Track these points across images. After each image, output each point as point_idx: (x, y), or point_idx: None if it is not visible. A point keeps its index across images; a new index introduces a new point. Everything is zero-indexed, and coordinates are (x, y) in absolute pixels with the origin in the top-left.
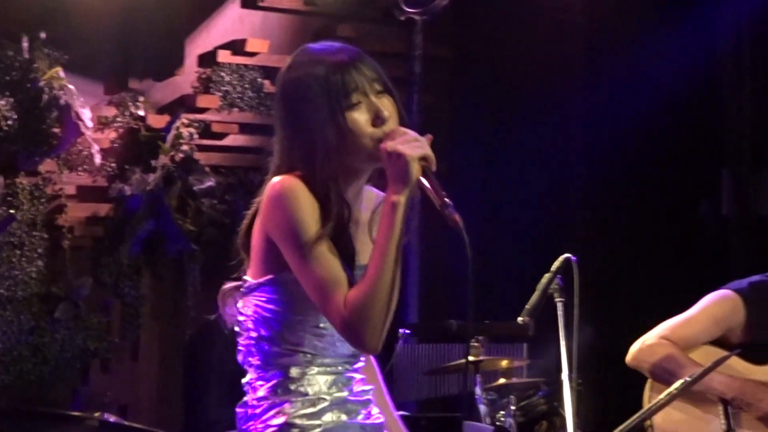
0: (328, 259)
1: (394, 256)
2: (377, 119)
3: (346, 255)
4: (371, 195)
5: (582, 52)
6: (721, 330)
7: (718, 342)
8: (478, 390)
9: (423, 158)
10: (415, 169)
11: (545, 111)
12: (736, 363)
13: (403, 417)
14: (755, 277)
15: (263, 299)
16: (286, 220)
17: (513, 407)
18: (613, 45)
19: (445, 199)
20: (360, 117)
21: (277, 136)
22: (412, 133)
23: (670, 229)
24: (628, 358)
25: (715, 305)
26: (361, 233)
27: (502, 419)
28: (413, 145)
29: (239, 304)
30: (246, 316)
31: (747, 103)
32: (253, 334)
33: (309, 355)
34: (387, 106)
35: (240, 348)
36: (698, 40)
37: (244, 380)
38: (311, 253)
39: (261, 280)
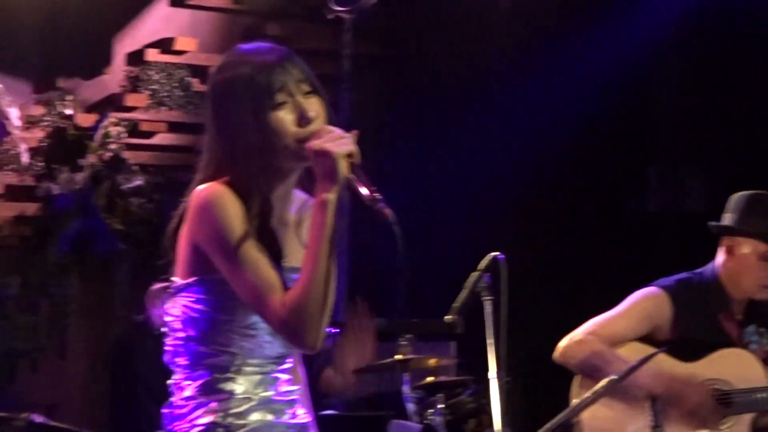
0: (260, 263)
1: (328, 253)
2: (302, 119)
3: (272, 254)
4: (299, 199)
5: (509, 50)
6: (648, 327)
7: (646, 339)
8: (406, 388)
9: (349, 155)
10: (343, 166)
11: (472, 108)
12: (663, 359)
13: (331, 416)
14: (682, 275)
15: (191, 299)
16: (214, 229)
17: (441, 405)
18: (539, 42)
19: (374, 195)
20: (285, 116)
21: (205, 137)
22: (337, 131)
23: (596, 225)
24: (556, 354)
25: (643, 302)
26: (290, 235)
27: (430, 418)
28: (339, 143)
29: (167, 305)
30: (174, 316)
31: (673, 101)
32: (181, 335)
33: (236, 356)
34: (314, 106)
35: (167, 348)
36: (625, 37)
37: (170, 381)
38: (242, 259)
39: (188, 280)
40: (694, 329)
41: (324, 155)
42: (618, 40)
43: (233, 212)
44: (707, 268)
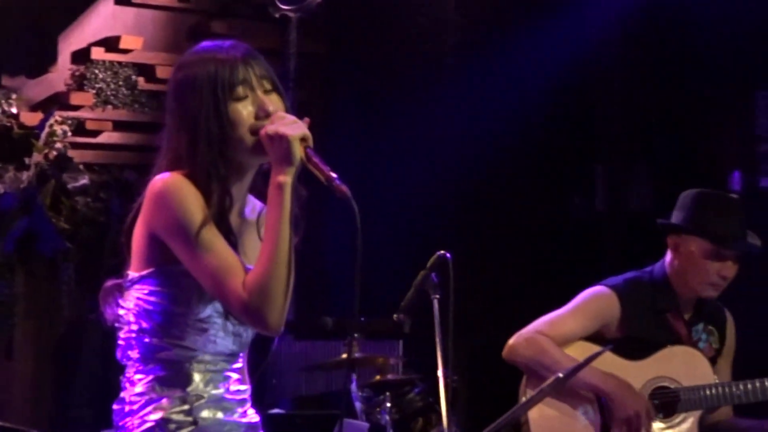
0: (221, 246)
1: (288, 234)
2: (261, 112)
3: (229, 243)
4: (254, 202)
5: (455, 48)
6: (596, 325)
7: (594, 337)
8: (353, 387)
9: (303, 138)
10: (297, 148)
11: (418, 107)
12: (610, 358)
13: (278, 415)
14: (630, 274)
15: (145, 291)
16: (173, 215)
17: (389, 404)
18: (485, 41)
19: (330, 173)
20: (243, 109)
21: (165, 132)
22: (290, 116)
23: (544, 224)
24: (504, 352)
25: (591, 301)
26: (250, 235)
27: (378, 416)
28: (294, 126)
29: (121, 298)
30: (127, 309)
31: (618, 100)
32: (134, 327)
33: (189, 350)
34: (274, 102)
35: (119, 342)
36: (570, 37)
37: (122, 376)
38: (202, 243)
39: (143, 272)
40: (641, 328)
41: (279, 139)
42: (565, 40)
43: (192, 198)
44: (656, 267)
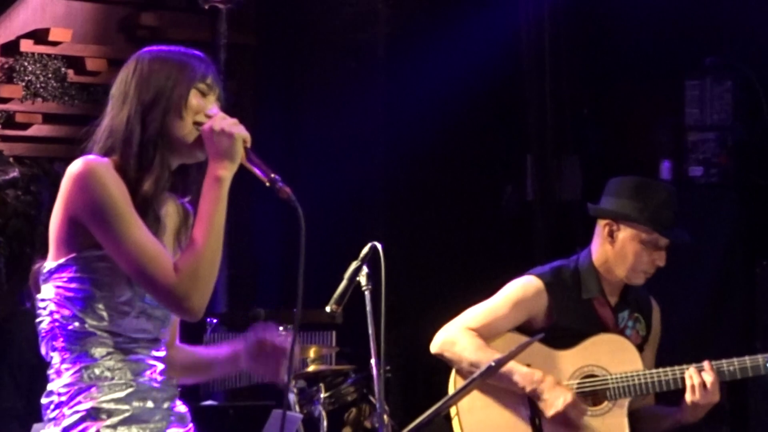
0: (145, 231)
1: (221, 227)
2: (210, 113)
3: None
4: (179, 207)
5: (383, 38)
6: (524, 316)
7: (521, 328)
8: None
9: (244, 140)
10: (240, 147)
11: (347, 97)
12: (538, 348)
13: (211, 407)
14: (557, 262)
15: (65, 279)
16: (96, 197)
17: (322, 395)
18: (414, 31)
19: (272, 174)
20: (200, 101)
21: (106, 120)
22: (231, 118)
23: (474, 214)
24: (432, 347)
25: (518, 291)
26: (167, 238)
27: (311, 407)
28: (238, 127)
29: (40, 294)
30: (48, 299)
31: (548, 90)
32: (57, 316)
33: (113, 335)
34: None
35: (42, 335)
36: (500, 27)
37: (49, 370)
38: (128, 225)
39: (62, 260)
40: (568, 316)
41: (224, 135)
42: (495, 30)
43: (113, 181)
44: (581, 254)
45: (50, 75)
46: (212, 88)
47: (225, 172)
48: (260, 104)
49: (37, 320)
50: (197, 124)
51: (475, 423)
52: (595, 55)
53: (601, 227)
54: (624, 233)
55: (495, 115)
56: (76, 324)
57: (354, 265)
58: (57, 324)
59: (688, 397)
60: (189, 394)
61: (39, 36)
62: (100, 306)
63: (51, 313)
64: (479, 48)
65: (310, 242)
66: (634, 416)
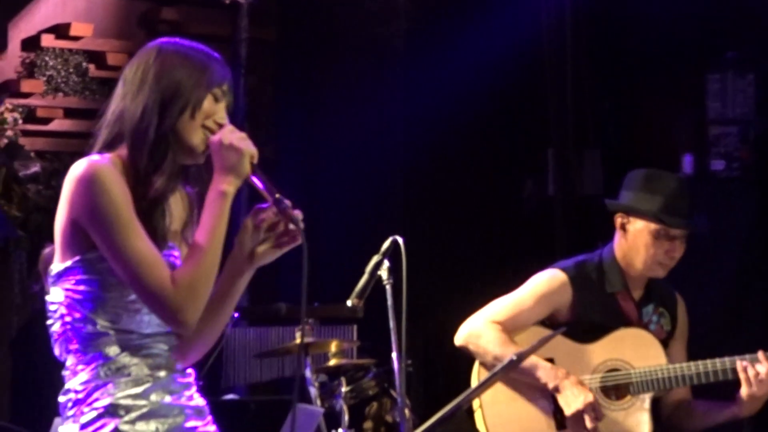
0: (142, 237)
1: (221, 241)
2: (218, 119)
3: (157, 236)
4: (185, 199)
5: (403, 33)
6: (548, 309)
7: (545, 322)
8: (307, 372)
9: (251, 155)
10: (247, 163)
11: (368, 92)
12: (561, 342)
13: (232, 401)
14: (580, 256)
15: (73, 282)
16: (96, 203)
17: (343, 389)
18: (434, 25)
19: (277, 195)
20: (213, 108)
21: (117, 109)
22: (240, 132)
23: (496, 209)
24: (456, 339)
25: (542, 285)
26: (174, 233)
27: (332, 401)
28: (246, 142)
29: (48, 297)
30: (57, 303)
31: (570, 85)
32: (68, 319)
33: (125, 333)
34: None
35: (55, 337)
36: (521, 21)
37: (64, 370)
38: (127, 232)
39: (68, 263)
40: (592, 310)
41: (230, 149)
42: (516, 24)
43: (116, 185)
44: (605, 249)
45: (71, 70)
46: (226, 95)
47: (229, 188)
48: (280, 99)
49: (48, 322)
50: (205, 128)
51: (498, 416)
52: (617, 49)
53: (617, 221)
54: (634, 226)
55: (516, 110)
56: (89, 326)
57: (375, 259)
58: (69, 327)
59: (745, 390)
60: (209, 389)
61: (60, 31)
62: (110, 306)
63: (62, 317)
64: (500, 42)
65: (330, 236)
66: (672, 413)
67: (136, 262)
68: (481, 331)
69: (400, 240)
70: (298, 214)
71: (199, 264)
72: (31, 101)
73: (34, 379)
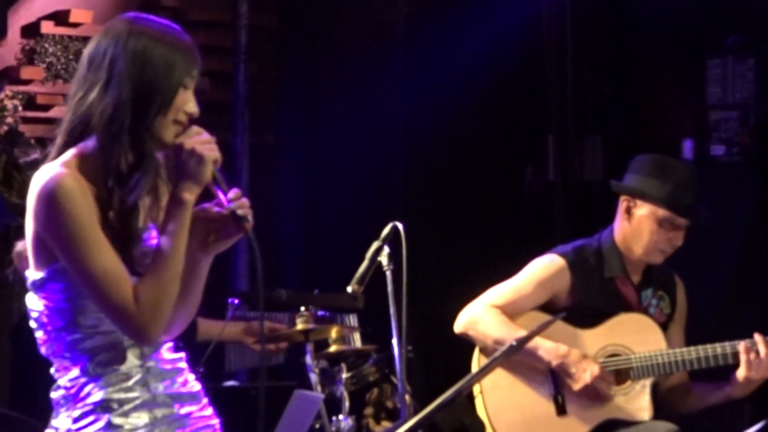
0: (108, 254)
1: (182, 250)
2: (188, 108)
3: (131, 237)
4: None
5: (404, 19)
6: (547, 294)
7: (544, 307)
8: (308, 359)
9: (214, 161)
10: (209, 170)
11: (368, 78)
12: (561, 327)
13: (233, 387)
14: (579, 241)
15: (50, 291)
16: (58, 220)
17: (344, 375)
18: (434, 11)
19: (232, 206)
20: (183, 98)
21: (87, 95)
22: (205, 134)
23: (496, 195)
24: (456, 326)
25: (541, 270)
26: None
27: (333, 387)
28: (209, 147)
29: (27, 302)
30: (38, 311)
31: (569, 71)
32: (50, 328)
33: (110, 334)
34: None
35: (40, 342)
36: (521, 7)
37: (52, 369)
38: (88, 249)
39: (42, 274)
40: (591, 295)
41: (193, 155)
42: (515, 10)
43: (78, 199)
44: (603, 233)
45: (71, 56)
46: (194, 79)
47: (189, 196)
48: (281, 86)
49: (32, 325)
50: (176, 123)
51: (499, 401)
52: (617, 34)
53: (621, 203)
54: (641, 210)
55: (516, 96)
56: (72, 334)
57: (375, 245)
58: (52, 335)
59: (743, 372)
60: (210, 375)
61: (60, 17)
62: (91, 312)
63: (43, 325)
64: (500, 29)
65: (330, 223)
66: (668, 395)
67: (98, 280)
68: (480, 316)
69: (400, 226)
70: (249, 227)
71: (160, 278)
72: (31, 88)
73: (34, 366)
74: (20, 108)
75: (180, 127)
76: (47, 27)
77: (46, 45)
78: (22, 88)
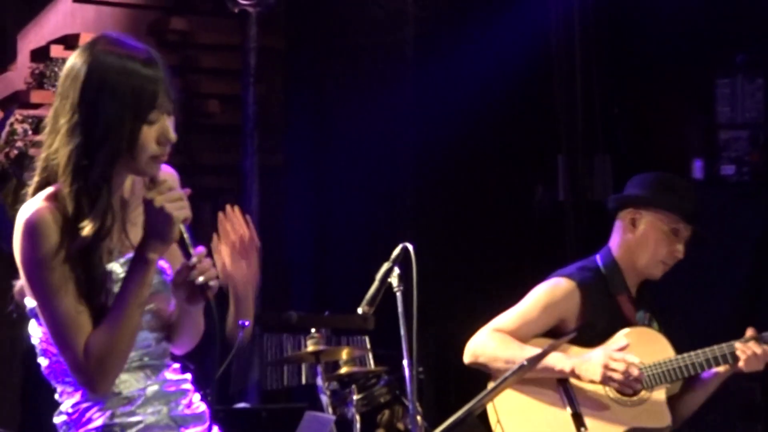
0: (70, 298)
1: (139, 310)
2: (162, 138)
3: (95, 278)
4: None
5: (412, 39)
6: (555, 319)
7: (550, 332)
8: (319, 380)
9: (184, 220)
10: (177, 230)
11: (377, 99)
12: (567, 348)
13: (243, 409)
14: (581, 262)
15: None
16: (29, 257)
17: (355, 397)
18: (443, 31)
19: (191, 274)
20: (150, 133)
21: (52, 137)
22: (177, 190)
23: (506, 215)
24: (465, 356)
25: (547, 294)
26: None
27: (344, 409)
28: (178, 205)
29: (29, 329)
30: (38, 338)
31: (579, 91)
32: (50, 353)
33: None
34: (172, 128)
35: (43, 368)
36: (530, 27)
37: (56, 394)
38: (53, 292)
39: (36, 304)
40: (598, 314)
41: (161, 214)
42: (524, 30)
43: (48, 240)
44: (601, 252)
45: None
46: (162, 107)
47: (154, 255)
48: (290, 107)
49: (36, 351)
50: (153, 157)
51: (518, 426)
52: (626, 53)
53: (623, 217)
54: (646, 220)
55: (525, 116)
56: None
57: (385, 266)
58: (54, 362)
59: (743, 367)
60: (221, 397)
61: (69, 41)
62: None
63: (44, 352)
64: (509, 48)
65: (340, 244)
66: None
67: (57, 323)
68: (487, 342)
69: (410, 247)
70: (210, 295)
71: (112, 335)
72: (40, 112)
73: (43, 390)
74: (30, 132)
75: (157, 159)
76: (57, 51)
77: (56, 69)
78: (32, 112)
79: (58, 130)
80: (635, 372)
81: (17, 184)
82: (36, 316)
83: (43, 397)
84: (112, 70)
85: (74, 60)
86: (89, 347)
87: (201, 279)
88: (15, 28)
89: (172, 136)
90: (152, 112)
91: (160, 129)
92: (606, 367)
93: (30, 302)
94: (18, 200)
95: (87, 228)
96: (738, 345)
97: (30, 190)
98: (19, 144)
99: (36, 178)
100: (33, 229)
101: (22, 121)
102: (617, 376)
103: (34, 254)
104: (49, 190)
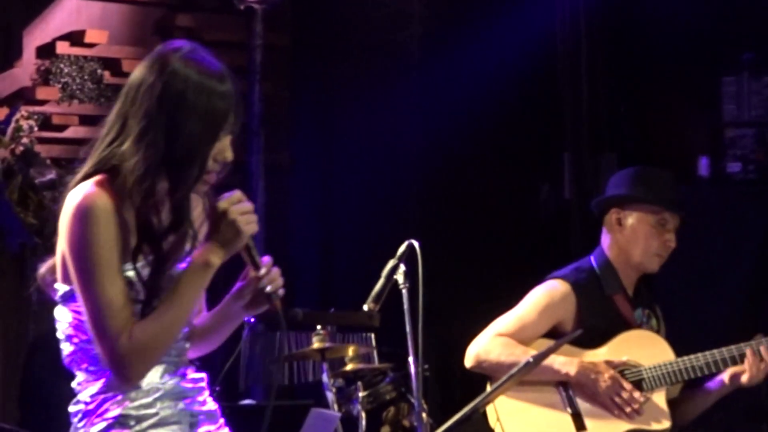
0: (118, 285)
1: (190, 310)
2: (220, 157)
3: (157, 260)
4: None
5: (418, 38)
6: (552, 321)
7: (549, 334)
8: (324, 377)
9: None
10: (243, 244)
11: (383, 98)
12: (567, 349)
13: (250, 406)
14: (576, 264)
15: (77, 305)
16: (81, 240)
17: (360, 394)
18: (449, 30)
19: (262, 270)
20: (217, 148)
21: (117, 140)
22: (247, 203)
23: (511, 213)
24: (467, 361)
25: (544, 297)
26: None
27: (349, 406)
28: (248, 219)
29: (56, 314)
30: (66, 322)
31: (584, 89)
32: (76, 340)
33: None
34: (230, 148)
35: (65, 355)
36: (535, 25)
37: (74, 383)
38: (101, 275)
39: (70, 287)
40: (595, 315)
41: (232, 226)
42: (529, 28)
43: (105, 226)
44: (594, 254)
45: (86, 77)
46: (229, 127)
47: (216, 260)
48: (295, 105)
49: (59, 336)
50: (210, 173)
51: (518, 427)
52: (631, 52)
53: (609, 218)
54: (631, 217)
55: (531, 114)
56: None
57: (391, 263)
58: (78, 348)
59: (749, 369)
60: (227, 394)
61: (75, 38)
62: None
63: (69, 338)
64: (515, 47)
65: (345, 241)
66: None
67: (102, 307)
68: (488, 346)
69: (416, 244)
70: (278, 306)
71: (162, 327)
72: (46, 108)
73: (45, 386)
74: (36, 128)
75: (209, 174)
76: (62, 47)
77: (62, 65)
78: (37, 108)
79: (128, 133)
80: (639, 398)
81: (23, 181)
82: (67, 300)
83: (45, 394)
84: (191, 87)
85: (144, 71)
86: (135, 332)
87: (270, 288)
88: (20, 24)
89: (230, 155)
90: (224, 130)
91: (221, 147)
92: (610, 396)
93: (62, 287)
94: (24, 197)
95: (169, 240)
96: (750, 343)
97: (78, 176)
98: (25, 140)
99: (88, 166)
100: (88, 211)
101: (28, 118)
102: (619, 401)
103: (87, 236)
104: (98, 177)
